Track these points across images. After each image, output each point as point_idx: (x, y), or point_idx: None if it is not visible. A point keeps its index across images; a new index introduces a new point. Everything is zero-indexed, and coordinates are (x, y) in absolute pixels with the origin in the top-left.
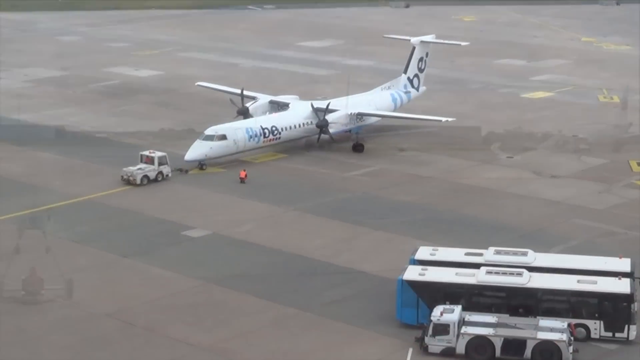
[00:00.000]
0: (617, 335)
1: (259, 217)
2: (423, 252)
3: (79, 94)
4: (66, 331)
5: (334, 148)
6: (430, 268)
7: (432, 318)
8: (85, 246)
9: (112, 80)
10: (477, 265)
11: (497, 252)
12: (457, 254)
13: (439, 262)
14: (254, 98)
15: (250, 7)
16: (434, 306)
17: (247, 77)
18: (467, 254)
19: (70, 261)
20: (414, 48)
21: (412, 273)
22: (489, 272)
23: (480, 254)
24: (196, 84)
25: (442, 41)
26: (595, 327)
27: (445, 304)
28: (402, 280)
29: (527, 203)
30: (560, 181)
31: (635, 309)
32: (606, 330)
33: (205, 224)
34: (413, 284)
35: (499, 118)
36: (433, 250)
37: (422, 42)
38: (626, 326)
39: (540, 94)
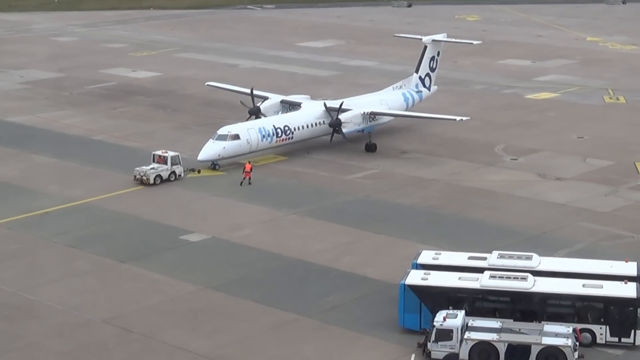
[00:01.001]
0: (623, 340)
1: (258, 220)
2: (426, 256)
3: (75, 96)
4: (63, 337)
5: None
6: (433, 272)
7: (434, 323)
8: (82, 251)
9: (109, 82)
10: (480, 270)
11: (501, 256)
12: (460, 258)
13: (441, 267)
14: (264, 97)
15: (249, 7)
16: (437, 311)
17: (247, 78)
18: (470, 258)
19: (67, 266)
20: (425, 47)
21: (415, 277)
22: (492, 277)
23: (484, 258)
24: (206, 84)
25: (454, 40)
26: (601, 332)
27: (448, 308)
28: (405, 285)
29: (532, 206)
30: (565, 183)
31: None
32: (612, 335)
33: (204, 228)
34: (415, 289)
35: (502, 119)
36: (436, 254)
37: (433, 41)
38: (632, 331)
39: (544, 95)
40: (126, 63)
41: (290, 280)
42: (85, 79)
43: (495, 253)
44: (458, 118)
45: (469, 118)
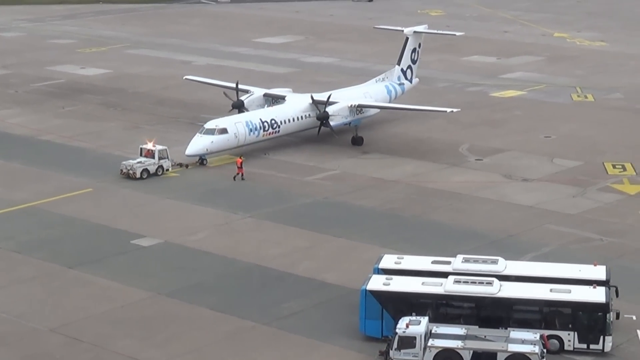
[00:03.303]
0: (592, 347)
1: (213, 224)
2: (388, 261)
3: (21, 94)
4: (8, 347)
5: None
6: (395, 277)
7: (397, 330)
8: (27, 256)
9: (57, 79)
10: (444, 274)
11: (466, 260)
12: (423, 262)
13: (404, 271)
14: (247, 91)
15: (204, 1)
16: (399, 318)
17: (202, 75)
18: (434, 262)
19: (12, 273)
20: (407, 39)
21: (376, 283)
22: (457, 282)
23: (448, 262)
24: (184, 77)
25: (435, 31)
26: (569, 338)
27: (411, 315)
28: (366, 291)
29: (497, 208)
30: (532, 185)
31: (611, 319)
32: (580, 341)
33: (156, 232)
34: (377, 295)
35: (467, 118)
36: (398, 258)
37: (415, 32)
38: (601, 337)
39: (510, 93)
40: (74, 60)
41: (247, 287)
42: (32, 76)
43: (460, 257)
44: (449, 110)
45: (459, 110)
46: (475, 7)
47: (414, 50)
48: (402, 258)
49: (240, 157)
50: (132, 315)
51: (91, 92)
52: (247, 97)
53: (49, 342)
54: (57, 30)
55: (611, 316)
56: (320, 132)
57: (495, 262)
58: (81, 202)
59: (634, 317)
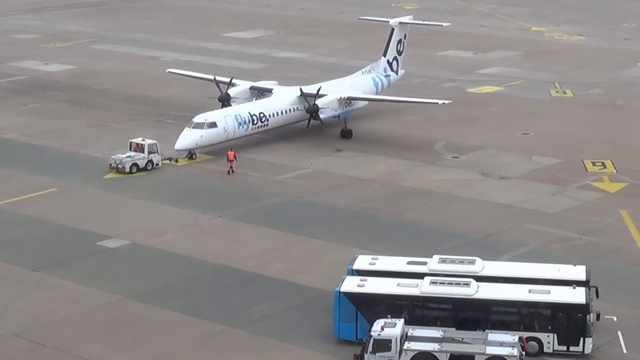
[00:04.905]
0: (572, 349)
1: (182, 225)
2: (362, 262)
3: None
4: None
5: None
6: (370, 279)
7: (372, 333)
8: None
9: (19, 76)
10: (420, 275)
11: (442, 261)
12: (398, 263)
13: (379, 272)
14: (232, 84)
15: None
16: (374, 320)
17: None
18: (409, 263)
19: None
20: (392, 30)
21: (350, 284)
22: (433, 283)
23: (424, 263)
24: (167, 70)
25: (421, 22)
26: (549, 340)
27: (386, 317)
28: (340, 292)
29: (475, 207)
30: (510, 183)
31: (591, 321)
32: (560, 343)
33: (123, 233)
34: (351, 296)
35: (443, 115)
36: (373, 259)
37: (400, 23)
38: (581, 339)
39: (487, 89)
40: (38, 55)
41: (217, 289)
42: None
43: (436, 257)
44: (440, 101)
45: (451, 101)
46: (450, 1)
47: (399, 41)
48: (377, 259)
49: (232, 150)
50: (98, 319)
51: (55, 88)
52: (234, 90)
53: (13, 348)
54: (20, 24)
55: (591, 317)
56: (309, 125)
57: (472, 262)
58: (45, 203)
59: (615, 319)
